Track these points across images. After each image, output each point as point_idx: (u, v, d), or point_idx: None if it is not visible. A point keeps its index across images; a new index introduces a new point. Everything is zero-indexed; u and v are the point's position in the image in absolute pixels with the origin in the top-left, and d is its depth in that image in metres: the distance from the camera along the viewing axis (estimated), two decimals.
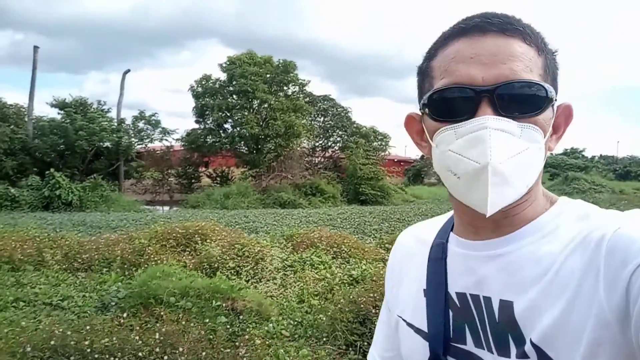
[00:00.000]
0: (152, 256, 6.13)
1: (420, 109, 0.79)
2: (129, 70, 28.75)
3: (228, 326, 4.02)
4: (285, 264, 6.62)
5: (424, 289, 0.83)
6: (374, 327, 3.61)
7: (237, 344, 3.63)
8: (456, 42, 0.72)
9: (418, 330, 0.83)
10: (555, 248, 0.69)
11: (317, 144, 32.18)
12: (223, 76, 27.89)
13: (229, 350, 3.27)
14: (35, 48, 25.39)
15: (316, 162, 31.53)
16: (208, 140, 28.00)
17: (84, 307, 4.62)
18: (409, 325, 0.85)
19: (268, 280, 5.95)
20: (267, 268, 6.23)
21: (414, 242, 0.92)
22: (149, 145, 27.86)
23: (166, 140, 27.56)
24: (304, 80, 29.57)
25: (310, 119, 29.93)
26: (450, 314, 0.78)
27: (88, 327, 3.36)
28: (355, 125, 31.36)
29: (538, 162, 0.71)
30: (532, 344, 0.67)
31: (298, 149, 29.15)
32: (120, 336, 3.27)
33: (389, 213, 18.47)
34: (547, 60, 0.73)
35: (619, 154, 49.84)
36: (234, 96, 27.45)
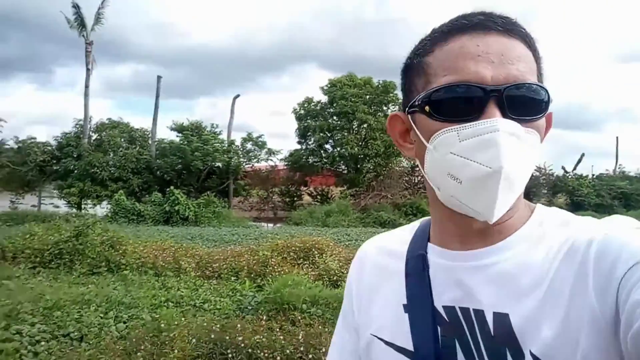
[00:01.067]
0: (275, 267, 6.63)
1: (407, 109, 0.74)
2: (238, 95, 30.76)
3: None
4: None
5: (404, 305, 0.77)
6: None
7: None
8: (459, 38, 0.68)
9: (400, 349, 0.76)
10: (544, 256, 0.67)
11: (416, 163, 31.93)
12: (324, 98, 28.97)
13: None
14: (159, 78, 28.30)
15: (415, 181, 31.31)
16: (310, 160, 29.06)
17: (224, 310, 5.15)
18: (388, 344, 0.78)
19: None
20: None
21: (382, 255, 0.86)
22: (255, 165, 29.53)
23: (271, 160, 29.02)
24: None
25: None
26: (439, 329, 0.73)
27: (238, 326, 3.81)
28: None
29: (533, 166, 0.70)
30: (533, 356, 0.64)
31: (397, 168, 29.18)
32: (266, 335, 3.67)
33: None
34: (539, 65, 0.72)
35: None
36: (335, 117, 28.30)
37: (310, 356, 3.34)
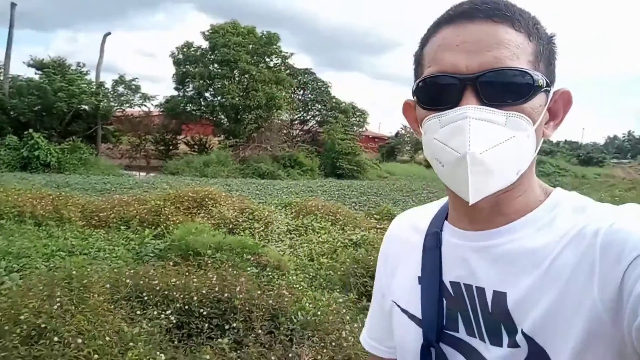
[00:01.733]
0: (169, 216, 6.67)
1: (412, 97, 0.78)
2: (109, 33, 28.24)
3: (258, 277, 4.67)
4: (290, 228, 7.28)
5: (419, 277, 0.84)
6: None
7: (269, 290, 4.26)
8: (444, 30, 0.72)
9: (412, 317, 0.84)
10: (549, 240, 0.69)
11: (295, 117, 32.62)
12: (205, 44, 27.87)
13: (271, 292, 3.91)
14: (13, 5, 24.68)
15: (294, 135, 32.02)
16: (187, 107, 28.04)
17: (122, 258, 5.16)
18: (403, 311, 0.86)
19: (277, 241, 6.60)
20: (275, 231, 6.87)
21: (408, 230, 0.91)
22: (127, 110, 27.67)
23: (145, 105, 27.42)
24: (287, 52, 29.82)
25: (290, 91, 30.22)
26: (444, 302, 0.79)
27: (152, 271, 3.94)
28: (334, 100, 31.90)
29: (527, 150, 0.71)
30: (523, 334, 0.68)
31: (277, 121, 29.53)
32: (179, 278, 3.87)
33: (366, 187, 19.27)
34: (540, 46, 0.71)
35: (583, 141, 52.13)
36: (216, 65, 27.47)
37: (226, 295, 3.63)
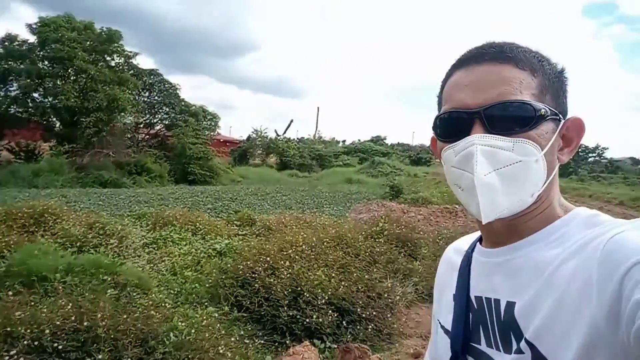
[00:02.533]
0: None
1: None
2: None
3: (118, 298, 4.28)
4: (147, 241, 6.82)
5: (454, 294, 0.92)
6: (255, 290, 4.34)
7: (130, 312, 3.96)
8: (456, 73, 0.82)
9: (447, 331, 0.91)
10: (557, 253, 0.73)
11: (141, 120, 30.66)
12: (32, 38, 24.70)
13: (137, 314, 3.61)
14: None
15: (140, 139, 30.06)
16: (11, 109, 24.56)
17: None
18: (442, 327, 0.94)
19: (134, 257, 6.13)
20: (131, 246, 6.37)
21: (454, 254, 1.00)
22: None
23: None
24: (130, 52, 27.88)
25: (135, 93, 28.29)
26: (471, 316, 0.86)
27: None
28: (183, 103, 30.73)
29: (538, 173, 0.76)
30: (526, 341, 0.72)
31: (121, 125, 27.46)
32: (24, 310, 3.37)
33: (220, 193, 18.91)
34: (546, 79, 0.79)
35: (413, 143, 57.78)
36: (46, 62, 24.55)
37: (85, 323, 3.25)
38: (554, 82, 0.80)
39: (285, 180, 29.84)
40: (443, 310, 0.96)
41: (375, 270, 5.85)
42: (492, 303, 0.82)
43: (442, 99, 0.85)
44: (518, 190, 0.75)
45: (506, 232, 0.81)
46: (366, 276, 5.37)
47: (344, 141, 56.91)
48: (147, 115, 30.99)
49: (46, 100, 24.71)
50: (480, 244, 0.91)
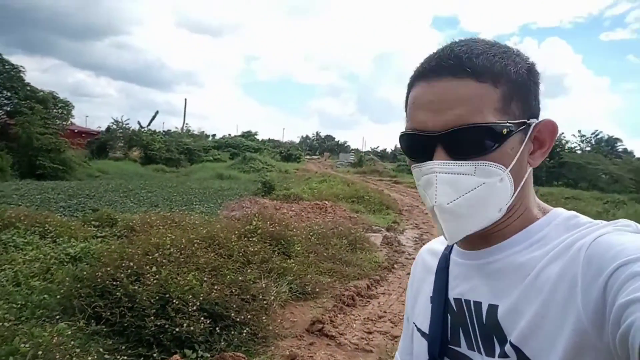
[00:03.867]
0: None
1: None
2: None
3: None
4: None
5: (431, 296, 0.91)
6: (116, 299, 3.96)
7: None
8: (417, 86, 0.78)
9: (424, 334, 0.90)
10: (538, 255, 0.73)
11: None
12: None
13: None
14: None
15: None
16: None
17: None
18: (418, 330, 0.93)
19: None
20: None
21: (428, 255, 0.99)
22: None
23: None
24: None
25: None
26: (449, 318, 0.85)
27: None
28: (29, 88, 27.29)
29: (503, 190, 0.74)
30: (511, 344, 0.71)
31: None
32: None
33: (75, 189, 17.23)
34: (511, 85, 0.74)
35: (283, 139, 58.57)
36: None
37: None
38: (520, 85, 0.76)
39: (151, 175, 28.19)
40: (419, 313, 0.95)
41: (249, 271, 5.68)
42: (472, 305, 0.81)
43: (406, 111, 0.81)
44: (483, 212, 0.74)
45: (488, 235, 0.80)
46: (240, 278, 5.18)
47: (214, 135, 55.62)
48: None
49: None
50: (457, 244, 0.89)
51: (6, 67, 27.25)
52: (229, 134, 55.13)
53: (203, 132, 53.64)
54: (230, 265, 5.52)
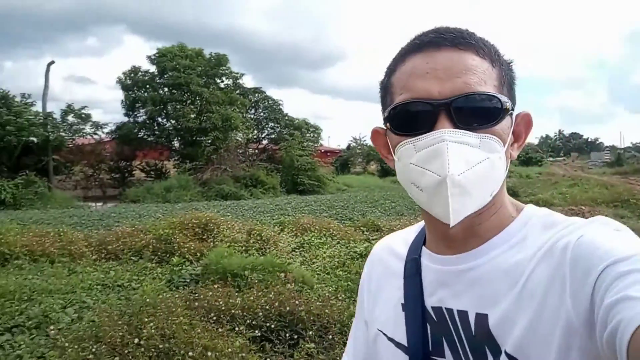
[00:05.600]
0: (180, 244, 6.90)
1: (383, 124, 0.79)
2: (53, 62, 27.52)
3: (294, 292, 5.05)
4: (294, 246, 7.68)
5: (402, 304, 0.84)
6: None
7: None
8: (412, 58, 0.74)
9: (398, 345, 0.84)
10: (523, 258, 0.71)
11: (249, 136, 32.87)
12: (152, 68, 27.82)
13: (320, 303, 4.32)
14: None
15: (249, 154, 32.20)
16: (140, 133, 27.73)
17: (155, 286, 5.38)
18: (390, 339, 0.86)
19: (289, 259, 6.98)
20: (284, 249, 7.26)
21: (388, 256, 0.93)
22: (76, 139, 26.94)
23: (97, 134, 26.84)
24: (237, 73, 30.18)
25: (243, 111, 30.49)
26: (429, 327, 0.80)
27: (210, 293, 4.26)
28: (287, 118, 32.41)
29: (499, 170, 0.73)
30: (507, 354, 0.69)
31: (234, 141, 29.68)
32: (237, 298, 4.21)
33: (331, 201, 19.69)
34: (502, 71, 0.75)
35: None
36: (166, 89, 27.40)
37: (287, 309, 4.02)
38: (507, 74, 0.77)
39: (390, 187, 30.13)
40: (386, 320, 0.88)
41: None
42: (455, 314, 0.77)
43: (393, 87, 0.78)
44: (482, 190, 0.72)
45: (463, 235, 0.77)
46: None
47: None
48: (255, 131, 33.14)
49: (169, 123, 27.56)
50: (430, 248, 0.84)
51: (270, 102, 33.00)
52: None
53: None
54: None
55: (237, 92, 30.06)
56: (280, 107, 32.87)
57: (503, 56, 0.77)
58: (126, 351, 3.02)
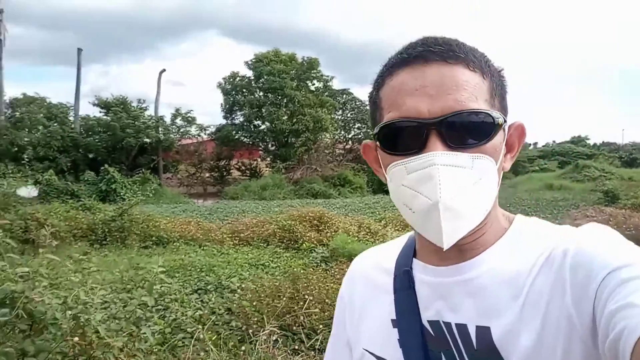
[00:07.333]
0: (302, 233, 8.04)
1: (373, 140, 0.77)
2: (164, 70, 30.41)
3: None
4: None
5: (392, 320, 0.80)
6: None
7: None
8: (400, 73, 0.71)
9: None
10: (522, 268, 0.70)
11: (337, 136, 34.01)
12: (249, 73, 29.88)
13: None
14: (79, 50, 27.11)
15: (337, 154, 33.32)
16: (238, 135, 29.89)
17: (294, 266, 6.48)
18: (379, 358, 0.81)
19: None
20: None
21: (373, 270, 0.88)
22: (181, 140, 29.63)
23: (200, 136, 29.36)
24: (328, 76, 31.47)
25: (332, 113, 31.66)
26: (426, 343, 0.76)
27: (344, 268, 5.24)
28: None
29: (492, 188, 0.71)
30: None
31: (324, 142, 30.96)
32: None
33: None
34: (493, 82, 0.72)
35: (623, 141, 51.51)
36: (262, 93, 29.29)
37: None
38: (498, 83, 0.75)
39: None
40: (373, 338, 0.84)
41: None
42: (453, 328, 0.74)
43: (382, 102, 0.75)
44: (476, 210, 0.70)
45: (463, 247, 0.74)
46: None
47: (535, 144, 53.72)
48: (342, 132, 34.25)
49: (264, 125, 29.46)
50: (423, 259, 0.81)
51: (357, 103, 33.94)
52: (553, 141, 52.12)
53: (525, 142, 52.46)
54: None
55: (326, 94, 31.33)
56: (367, 107, 33.49)
57: (493, 66, 0.75)
58: (300, 303, 4.04)
